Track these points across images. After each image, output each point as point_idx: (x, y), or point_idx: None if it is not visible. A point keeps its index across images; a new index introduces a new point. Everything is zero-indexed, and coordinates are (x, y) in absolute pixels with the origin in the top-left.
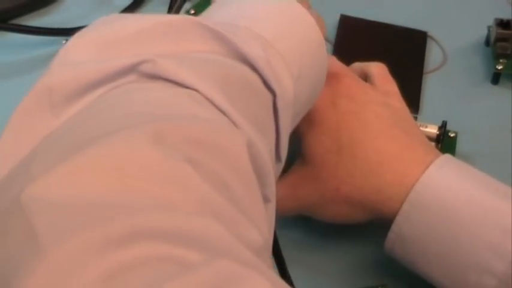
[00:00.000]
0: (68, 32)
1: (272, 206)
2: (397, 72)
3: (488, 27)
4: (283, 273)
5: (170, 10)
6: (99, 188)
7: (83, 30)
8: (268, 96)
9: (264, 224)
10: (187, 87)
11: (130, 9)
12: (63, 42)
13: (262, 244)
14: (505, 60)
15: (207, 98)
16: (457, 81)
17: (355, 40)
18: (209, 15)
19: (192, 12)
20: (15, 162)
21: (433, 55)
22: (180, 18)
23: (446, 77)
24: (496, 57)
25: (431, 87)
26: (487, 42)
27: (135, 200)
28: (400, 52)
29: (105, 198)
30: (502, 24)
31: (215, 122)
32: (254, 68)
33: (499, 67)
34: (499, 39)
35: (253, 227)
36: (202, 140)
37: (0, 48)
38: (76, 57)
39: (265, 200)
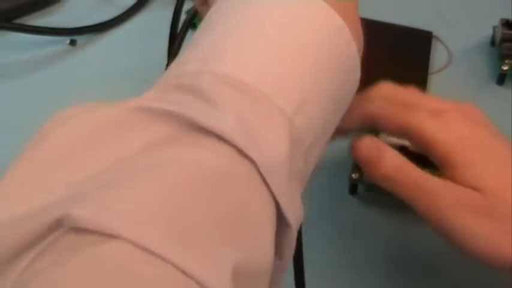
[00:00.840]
0: (71, 32)
1: None
2: (401, 73)
3: (494, 28)
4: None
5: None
6: None
7: (17, 160)
8: (245, 167)
9: None
10: (114, 237)
11: (134, 9)
12: (67, 42)
13: None
14: (510, 61)
15: (139, 247)
16: (462, 81)
17: None
18: (191, 45)
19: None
20: None
21: (438, 55)
22: (114, 111)
23: (451, 77)
24: (502, 58)
25: (437, 87)
26: (493, 43)
27: None
28: (405, 52)
29: None
30: (508, 24)
31: None
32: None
33: (505, 68)
34: (504, 39)
35: None
36: None
37: (3, 48)
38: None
39: None
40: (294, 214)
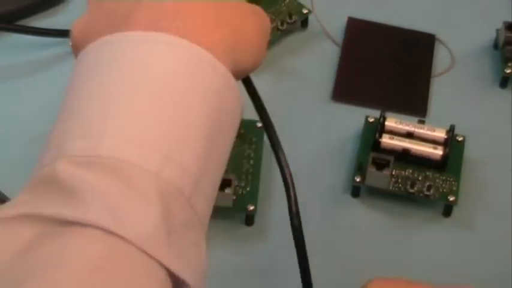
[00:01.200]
0: None
1: None
2: (404, 75)
3: (497, 31)
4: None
5: None
6: None
7: None
8: (121, 246)
9: None
10: None
11: None
12: (70, 44)
13: None
14: None
15: None
16: (465, 84)
17: (362, 43)
18: (53, 126)
19: None
20: None
21: (441, 58)
22: None
23: (454, 80)
24: (505, 60)
25: (439, 90)
26: (496, 46)
27: None
28: (408, 55)
29: None
30: (511, 27)
31: None
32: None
33: (508, 71)
34: (507, 42)
35: None
36: None
37: (5, 49)
38: None
39: None
40: (193, 268)
